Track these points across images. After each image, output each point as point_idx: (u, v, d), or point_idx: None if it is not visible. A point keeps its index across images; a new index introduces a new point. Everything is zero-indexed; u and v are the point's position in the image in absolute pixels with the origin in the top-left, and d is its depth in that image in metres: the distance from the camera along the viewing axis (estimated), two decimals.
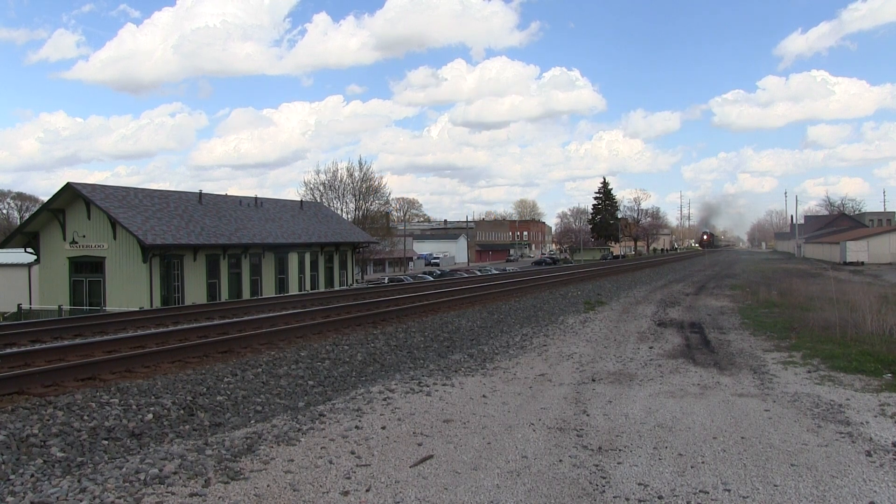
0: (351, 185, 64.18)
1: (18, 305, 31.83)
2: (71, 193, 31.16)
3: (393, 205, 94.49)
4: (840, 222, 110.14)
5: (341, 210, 61.49)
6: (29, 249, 32.70)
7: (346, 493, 5.25)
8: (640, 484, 5.46)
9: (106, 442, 6.77)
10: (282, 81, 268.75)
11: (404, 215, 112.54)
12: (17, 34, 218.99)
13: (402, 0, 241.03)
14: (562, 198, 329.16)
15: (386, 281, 52.70)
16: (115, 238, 30.55)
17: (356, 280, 48.83)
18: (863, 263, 60.27)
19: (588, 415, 7.65)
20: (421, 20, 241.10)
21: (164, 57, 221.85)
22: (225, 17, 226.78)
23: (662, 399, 8.43)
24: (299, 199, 50.98)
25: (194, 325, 15.04)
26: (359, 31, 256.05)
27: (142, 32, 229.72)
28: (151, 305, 28.74)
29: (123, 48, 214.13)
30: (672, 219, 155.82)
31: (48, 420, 7.19)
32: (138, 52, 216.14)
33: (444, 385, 9.23)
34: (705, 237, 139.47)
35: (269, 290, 36.94)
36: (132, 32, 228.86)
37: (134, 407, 7.86)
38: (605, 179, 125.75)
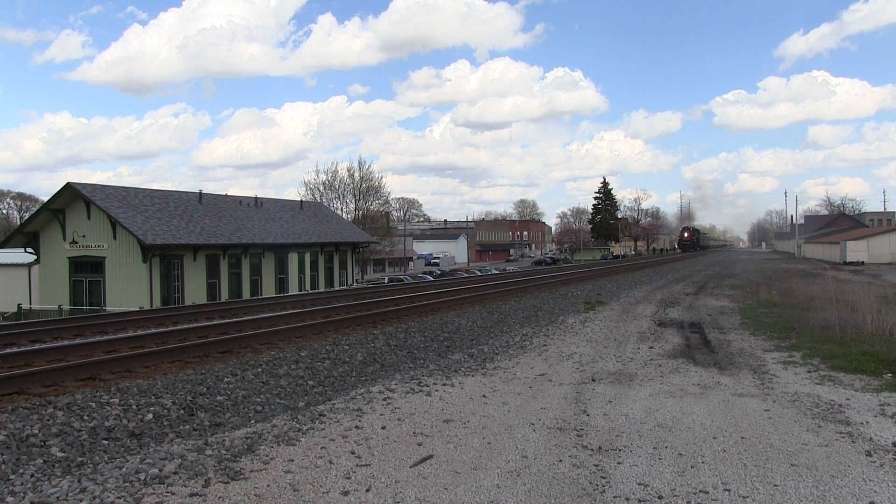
0: (351, 185, 64.30)
1: (18, 305, 31.82)
2: (71, 193, 31.16)
3: (393, 205, 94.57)
4: (840, 222, 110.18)
5: (341, 210, 61.54)
6: (29, 249, 32.69)
7: (346, 493, 5.25)
8: (640, 484, 5.46)
9: (106, 442, 6.76)
10: (285, 82, 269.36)
11: (404, 215, 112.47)
12: (24, 35, 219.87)
13: (407, 2, 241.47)
14: (562, 198, 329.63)
15: (386, 281, 52.70)
16: (115, 238, 30.55)
17: (356, 280, 48.83)
18: (863, 263, 60.26)
19: (588, 415, 7.65)
20: (425, 22, 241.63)
21: (169, 58, 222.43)
22: (231, 17, 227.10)
23: (662, 399, 8.43)
24: (299, 199, 51.00)
25: (194, 325, 15.04)
26: (363, 32, 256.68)
27: (147, 33, 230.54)
28: (151, 305, 28.74)
29: (128, 49, 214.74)
30: (672, 219, 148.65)
31: (48, 420, 7.18)
32: (143, 53, 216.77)
33: (444, 385, 9.22)
34: (686, 234, 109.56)
35: (269, 290, 36.94)
36: (137, 33, 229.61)
37: (134, 407, 7.85)
38: (605, 179, 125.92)
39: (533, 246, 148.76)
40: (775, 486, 5.43)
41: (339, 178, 64.25)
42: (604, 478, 5.60)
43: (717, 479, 5.56)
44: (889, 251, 63.27)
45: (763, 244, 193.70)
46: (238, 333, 13.01)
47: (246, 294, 35.10)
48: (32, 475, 5.76)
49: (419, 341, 13.41)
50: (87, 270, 31.46)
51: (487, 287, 26.48)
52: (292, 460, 5.99)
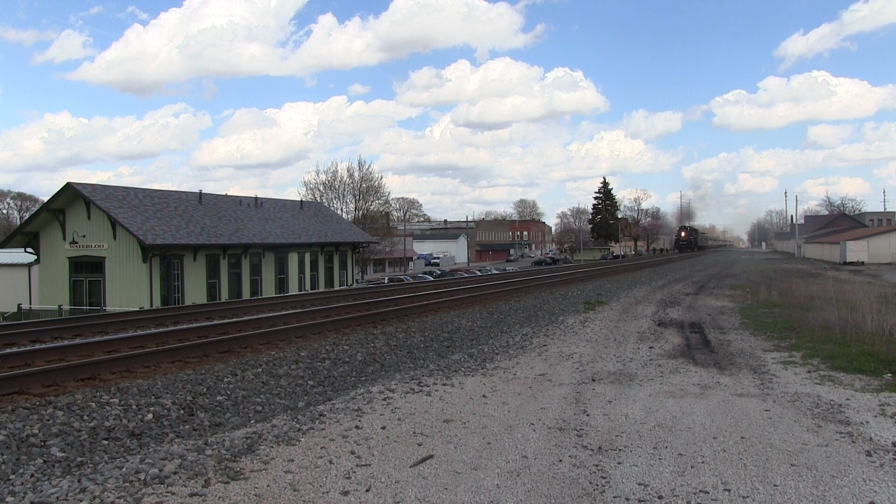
0: (351, 184, 64.32)
1: (18, 305, 31.82)
2: (71, 193, 31.17)
3: (393, 205, 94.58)
4: (840, 222, 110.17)
5: (341, 210, 61.55)
6: (29, 249, 32.70)
7: (346, 493, 5.25)
8: (640, 484, 5.46)
9: (106, 442, 6.76)
10: (286, 82, 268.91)
11: (404, 215, 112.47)
12: (25, 35, 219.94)
13: (408, 2, 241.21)
14: (562, 198, 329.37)
15: (386, 281, 52.70)
16: (115, 238, 30.55)
17: (356, 280, 48.83)
18: (863, 263, 60.23)
19: (588, 415, 7.65)
20: (426, 22, 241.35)
21: (169, 58, 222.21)
22: (231, 17, 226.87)
23: (662, 399, 8.43)
24: (299, 200, 51.00)
25: (194, 325, 15.04)
26: (364, 32, 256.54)
27: (147, 33, 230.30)
28: (151, 305, 28.74)
29: (129, 49, 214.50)
30: (672, 219, 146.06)
31: (48, 420, 7.19)
32: (144, 54, 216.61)
33: (444, 385, 9.23)
34: (683, 234, 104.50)
35: (269, 290, 36.94)
36: (138, 33, 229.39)
37: (134, 407, 7.86)
38: (605, 179, 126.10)
39: (533, 246, 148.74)
40: (775, 486, 5.43)
41: (339, 178, 64.36)
42: (604, 478, 5.60)
43: (717, 479, 5.57)
44: (889, 251, 63.24)
45: (763, 244, 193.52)
46: (238, 333, 13.02)
47: (246, 294, 35.10)
48: (32, 475, 5.76)
49: (419, 341, 13.41)
50: (87, 270, 31.46)
51: (487, 287, 26.49)
52: (292, 460, 5.99)
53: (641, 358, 11.49)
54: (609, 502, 5.12)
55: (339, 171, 65.07)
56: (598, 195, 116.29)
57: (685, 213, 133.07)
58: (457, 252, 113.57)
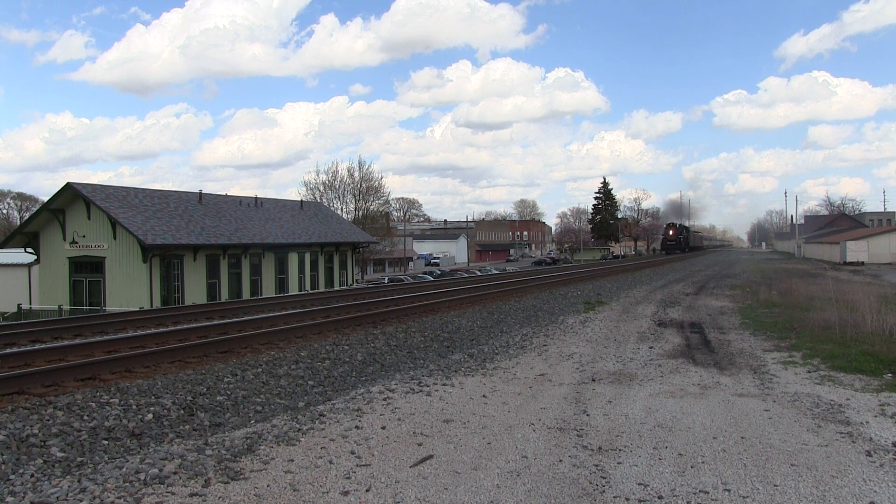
0: (351, 184, 64.33)
1: (18, 305, 31.82)
2: (71, 193, 31.17)
3: (393, 205, 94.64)
4: (840, 222, 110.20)
5: (341, 210, 61.55)
6: (29, 249, 32.71)
7: (346, 493, 5.25)
8: (640, 484, 5.46)
9: (106, 442, 6.76)
10: (287, 82, 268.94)
11: (404, 215, 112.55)
12: (27, 36, 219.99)
13: (410, 3, 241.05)
14: (562, 198, 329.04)
15: (386, 281, 52.72)
16: (115, 238, 30.55)
17: (356, 280, 48.82)
18: (863, 263, 60.24)
19: (588, 415, 7.65)
20: (427, 23, 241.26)
21: (171, 58, 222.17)
22: (233, 18, 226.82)
23: (662, 399, 8.43)
24: (300, 200, 51.00)
25: (194, 325, 15.04)
26: (365, 32, 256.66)
27: (149, 34, 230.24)
28: (151, 305, 28.74)
29: (131, 49, 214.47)
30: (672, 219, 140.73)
31: (48, 420, 7.18)
32: (145, 54, 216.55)
33: (444, 385, 9.23)
34: (671, 232, 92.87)
35: (269, 290, 36.94)
36: (140, 34, 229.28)
37: (134, 407, 7.85)
38: (605, 179, 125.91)
39: (533, 246, 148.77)
40: (775, 486, 5.43)
41: (339, 178, 64.35)
42: (604, 478, 5.60)
43: (717, 479, 5.57)
44: (889, 251, 63.22)
45: (763, 244, 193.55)
46: (238, 333, 13.01)
47: (246, 294, 35.10)
48: (32, 475, 5.75)
49: (419, 341, 13.41)
50: (87, 270, 31.46)
51: (487, 287, 26.49)
52: (292, 460, 5.99)
53: (641, 358, 11.49)
54: (609, 502, 5.12)
55: (340, 171, 65.14)
56: (598, 195, 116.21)
57: (678, 210, 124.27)
58: (457, 252, 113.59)
